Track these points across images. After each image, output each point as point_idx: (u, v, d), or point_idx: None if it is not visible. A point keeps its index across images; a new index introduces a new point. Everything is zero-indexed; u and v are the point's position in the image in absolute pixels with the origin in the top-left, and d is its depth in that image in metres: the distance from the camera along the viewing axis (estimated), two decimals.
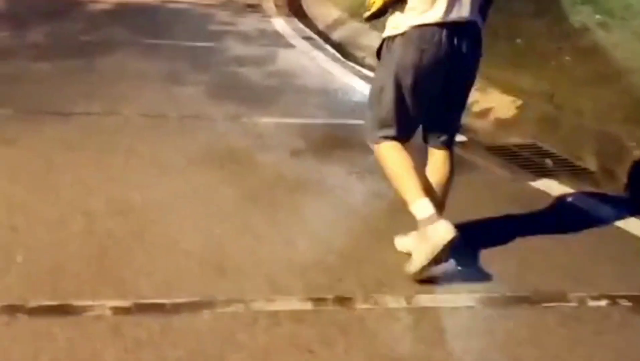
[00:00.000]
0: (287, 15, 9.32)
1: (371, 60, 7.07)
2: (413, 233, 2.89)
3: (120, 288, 2.64)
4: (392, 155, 2.89)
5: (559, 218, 3.69)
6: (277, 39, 7.71)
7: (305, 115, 5.11)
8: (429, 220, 2.76)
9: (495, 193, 3.92)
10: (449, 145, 3.02)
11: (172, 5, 9.17)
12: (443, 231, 2.72)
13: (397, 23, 2.79)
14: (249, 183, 3.77)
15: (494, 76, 5.60)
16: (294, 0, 10.93)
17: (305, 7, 10.59)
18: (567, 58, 5.89)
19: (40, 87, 5.21)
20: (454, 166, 3.04)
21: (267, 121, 4.86)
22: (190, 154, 4.09)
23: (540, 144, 4.71)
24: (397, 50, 2.80)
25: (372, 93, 2.96)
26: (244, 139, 4.47)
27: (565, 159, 4.49)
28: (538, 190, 4.01)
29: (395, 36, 2.81)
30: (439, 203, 2.94)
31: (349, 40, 7.74)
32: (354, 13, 8.47)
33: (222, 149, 4.23)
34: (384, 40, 2.88)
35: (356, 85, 6.02)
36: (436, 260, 2.75)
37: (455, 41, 2.77)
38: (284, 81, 5.94)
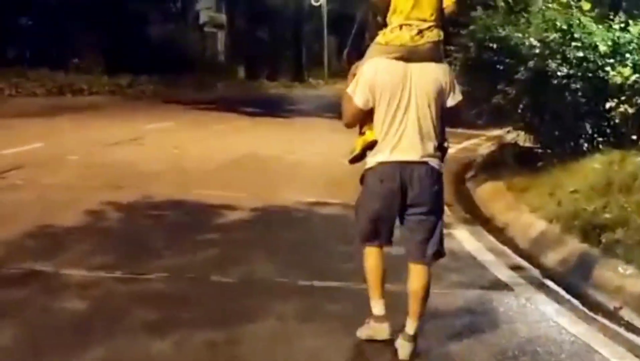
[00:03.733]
0: (467, 222, 7.25)
1: (632, 314, 4.78)
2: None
3: None
4: (369, 259, 3.94)
5: None
6: (477, 272, 5.46)
7: None
8: (378, 319, 3.91)
9: None
10: (421, 261, 3.76)
11: (323, 210, 7.31)
12: (381, 332, 3.89)
13: (370, 161, 3.80)
14: None
15: None
16: (466, 197, 8.93)
17: (481, 205, 8.52)
18: None
19: None
20: (430, 279, 3.77)
21: None
22: None
23: None
24: (368, 180, 3.82)
25: (355, 210, 3.97)
26: None
27: None
28: None
29: (368, 169, 3.81)
30: (414, 309, 3.75)
31: (577, 272, 5.44)
32: (567, 224, 6.20)
33: None
34: (365, 170, 3.86)
35: None
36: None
37: (408, 176, 3.68)
38: None
